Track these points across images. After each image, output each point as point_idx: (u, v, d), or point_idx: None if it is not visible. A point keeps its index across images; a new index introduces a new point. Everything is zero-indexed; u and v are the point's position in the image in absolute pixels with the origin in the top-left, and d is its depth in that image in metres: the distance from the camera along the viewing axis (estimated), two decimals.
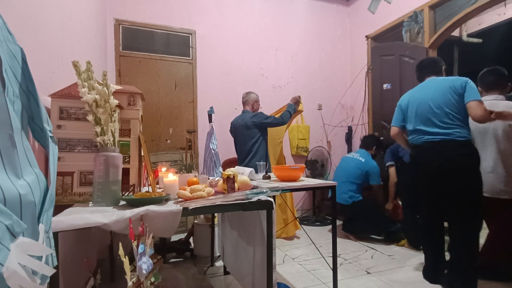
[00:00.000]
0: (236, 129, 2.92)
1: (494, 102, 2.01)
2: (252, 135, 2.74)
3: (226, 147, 3.38)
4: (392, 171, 2.96)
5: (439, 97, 1.90)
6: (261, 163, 1.97)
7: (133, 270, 0.91)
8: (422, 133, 1.96)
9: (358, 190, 2.98)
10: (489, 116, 1.74)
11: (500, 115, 1.74)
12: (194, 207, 1.08)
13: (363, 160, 3.00)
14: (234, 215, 1.79)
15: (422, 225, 2.11)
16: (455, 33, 4.53)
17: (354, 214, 2.91)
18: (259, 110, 2.97)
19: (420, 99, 2.00)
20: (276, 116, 2.84)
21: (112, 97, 1.15)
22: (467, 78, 1.88)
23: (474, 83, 1.86)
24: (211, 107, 2.70)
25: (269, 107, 3.79)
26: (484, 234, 2.01)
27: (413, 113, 2.02)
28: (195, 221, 2.65)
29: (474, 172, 1.85)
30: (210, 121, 2.66)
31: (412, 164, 2.09)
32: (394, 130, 2.18)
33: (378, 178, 2.98)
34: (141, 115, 1.45)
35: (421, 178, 2.01)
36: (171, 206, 1.07)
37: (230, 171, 1.40)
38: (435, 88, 1.95)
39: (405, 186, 2.76)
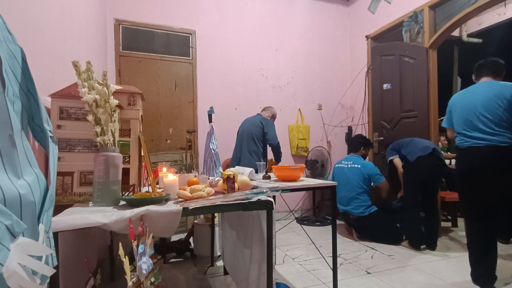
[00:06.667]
0: (243, 127, 2.98)
1: None
2: (256, 132, 2.87)
3: (226, 147, 3.38)
4: (397, 161, 2.93)
5: (486, 103, 1.92)
6: (261, 163, 1.97)
7: (133, 270, 0.91)
8: (466, 137, 2.00)
9: (369, 197, 2.96)
10: None
11: None
12: (194, 207, 1.08)
13: (359, 166, 2.97)
14: (233, 215, 1.79)
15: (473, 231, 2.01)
16: (455, 33, 4.53)
17: (371, 223, 2.88)
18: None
19: (467, 103, 2.02)
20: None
21: (112, 97, 1.15)
22: None
23: None
24: (211, 107, 2.69)
25: None
26: None
27: (459, 116, 2.06)
28: (195, 221, 2.66)
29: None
30: (210, 121, 2.66)
31: (458, 166, 2.09)
32: (450, 132, 2.22)
33: (380, 176, 2.95)
34: (141, 115, 1.45)
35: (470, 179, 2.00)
36: (171, 206, 1.06)
37: (230, 171, 1.40)
38: (484, 91, 1.96)
39: (409, 187, 2.75)
